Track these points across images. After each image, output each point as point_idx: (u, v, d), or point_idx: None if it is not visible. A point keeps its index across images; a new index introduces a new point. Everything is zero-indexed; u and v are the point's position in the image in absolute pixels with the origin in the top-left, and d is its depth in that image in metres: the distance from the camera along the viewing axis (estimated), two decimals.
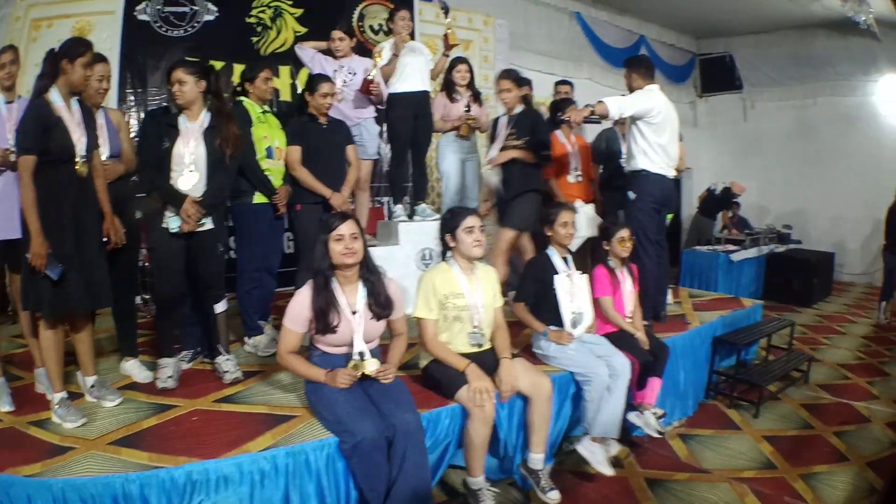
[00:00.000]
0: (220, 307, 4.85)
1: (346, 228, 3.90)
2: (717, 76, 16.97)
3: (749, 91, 16.72)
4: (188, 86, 4.50)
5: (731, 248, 11.86)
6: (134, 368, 4.90)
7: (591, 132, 8.28)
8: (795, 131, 15.91)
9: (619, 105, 6.01)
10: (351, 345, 3.97)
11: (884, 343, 9.49)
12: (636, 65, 6.50)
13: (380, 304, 4.02)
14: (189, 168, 4.50)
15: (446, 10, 7.17)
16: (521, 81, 6.24)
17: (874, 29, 12.14)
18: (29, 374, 4.73)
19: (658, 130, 6.21)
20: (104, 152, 4.73)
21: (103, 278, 4.28)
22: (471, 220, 4.42)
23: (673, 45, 16.30)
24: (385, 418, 3.67)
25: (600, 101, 6.03)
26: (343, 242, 3.86)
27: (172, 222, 4.52)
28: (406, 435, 3.62)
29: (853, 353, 8.88)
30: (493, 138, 6.86)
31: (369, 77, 6.64)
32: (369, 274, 4.05)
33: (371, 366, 3.92)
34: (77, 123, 4.14)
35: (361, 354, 3.96)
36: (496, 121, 6.82)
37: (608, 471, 4.73)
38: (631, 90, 6.42)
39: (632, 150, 6.41)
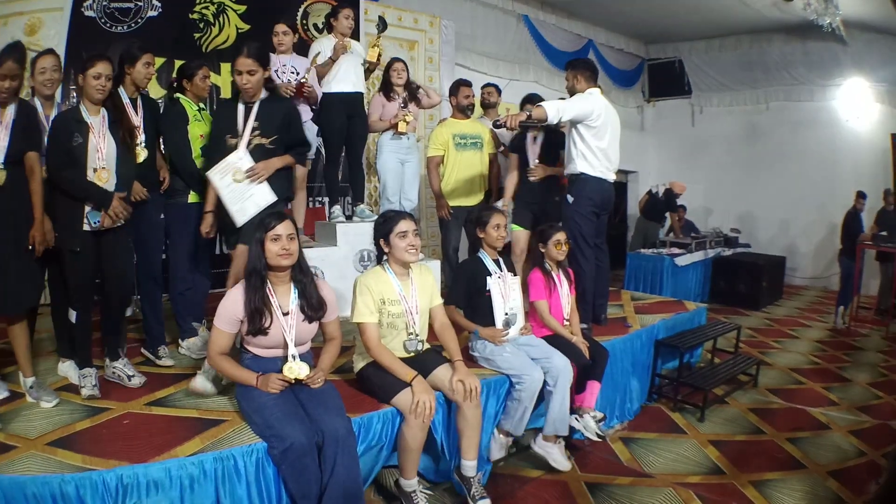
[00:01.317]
0: (128, 310, 4.80)
1: (284, 229, 3.87)
2: (665, 81, 17.19)
3: (698, 96, 16.91)
4: (110, 82, 4.53)
5: (677, 251, 11.90)
6: (70, 370, 4.81)
7: None
8: (745, 136, 16.10)
9: (557, 109, 5.99)
10: (282, 347, 3.94)
11: (841, 348, 9.54)
12: (580, 67, 6.49)
13: (312, 306, 3.99)
14: (101, 163, 4.45)
15: (382, 27, 7.14)
16: (265, 61, 4.99)
17: (840, 32, 12.23)
18: None
19: (598, 134, 6.20)
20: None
21: (18, 282, 4.28)
22: (404, 225, 4.39)
23: (622, 49, 16.42)
24: (314, 423, 3.63)
25: (538, 105, 6.03)
26: (280, 243, 3.83)
27: (92, 217, 4.44)
28: (335, 440, 3.58)
29: (807, 357, 8.91)
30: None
31: (302, 80, 6.56)
32: (302, 275, 4.03)
33: (301, 370, 3.86)
34: (4, 126, 4.17)
35: (293, 357, 3.91)
36: (233, 109, 5.00)
37: (497, 454, 4.98)
38: (572, 93, 6.43)
39: (571, 154, 6.39)
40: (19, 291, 4.30)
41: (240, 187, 4.75)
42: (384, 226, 4.44)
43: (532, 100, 6.66)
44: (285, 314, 3.92)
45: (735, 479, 5.00)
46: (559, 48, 14.39)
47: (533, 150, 6.97)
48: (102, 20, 8.46)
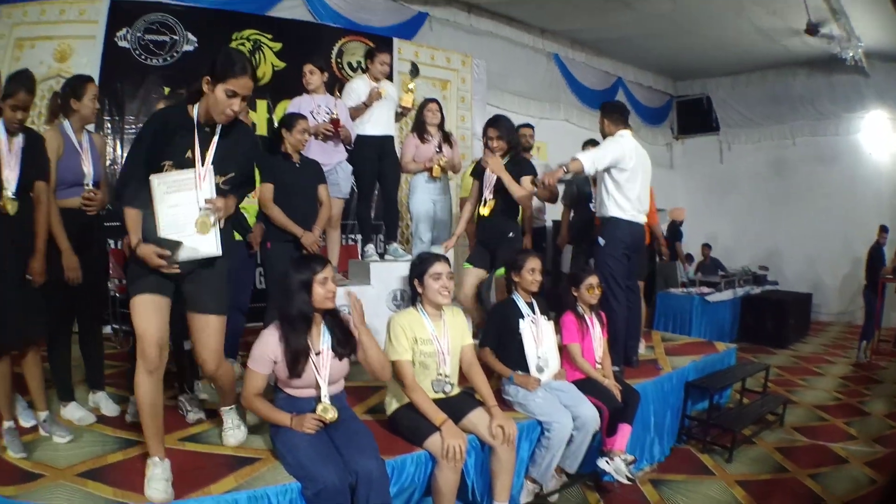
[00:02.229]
0: (188, 344, 4.79)
1: (329, 271, 3.90)
2: (693, 118, 17.26)
3: (726, 132, 16.95)
4: None
5: (706, 290, 11.81)
6: (102, 400, 4.86)
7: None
8: (772, 171, 16.12)
9: (592, 159, 6.04)
10: (316, 387, 3.93)
11: (863, 382, 9.51)
12: (609, 111, 6.55)
13: (340, 342, 4.00)
14: None
15: (414, 73, 7.23)
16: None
17: (862, 64, 12.25)
18: None
19: (628, 177, 6.22)
20: (88, 180, 4.77)
21: (23, 315, 4.18)
22: (438, 267, 4.43)
23: (650, 86, 16.52)
24: (348, 464, 3.62)
25: (574, 159, 6.05)
26: (327, 286, 3.85)
27: None
28: (368, 482, 3.58)
29: (831, 393, 8.87)
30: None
31: (334, 116, 6.59)
32: (330, 314, 4.05)
33: (332, 413, 3.86)
34: (14, 157, 4.14)
35: (327, 397, 3.91)
36: (189, 128, 3.76)
37: (524, 500, 4.85)
38: (604, 135, 6.48)
39: (602, 197, 6.40)
40: (23, 325, 4.21)
41: (185, 216, 3.68)
42: (419, 266, 4.48)
43: (497, 122, 6.36)
44: (317, 354, 3.92)
45: None
46: (589, 86, 14.52)
47: (488, 182, 6.40)
48: (136, 52, 8.71)
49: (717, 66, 15.60)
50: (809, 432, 7.10)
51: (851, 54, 11.90)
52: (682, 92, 17.43)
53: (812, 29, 11.61)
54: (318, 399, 3.91)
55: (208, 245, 3.71)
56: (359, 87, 7.07)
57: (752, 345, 11.72)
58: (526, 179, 6.15)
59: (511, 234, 6.32)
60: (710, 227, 16.03)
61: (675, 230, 13.26)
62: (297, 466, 3.63)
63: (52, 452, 3.96)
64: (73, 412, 4.62)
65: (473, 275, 6.54)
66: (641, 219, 6.41)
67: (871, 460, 6.21)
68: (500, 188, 6.22)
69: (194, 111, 3.74)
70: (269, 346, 3.86)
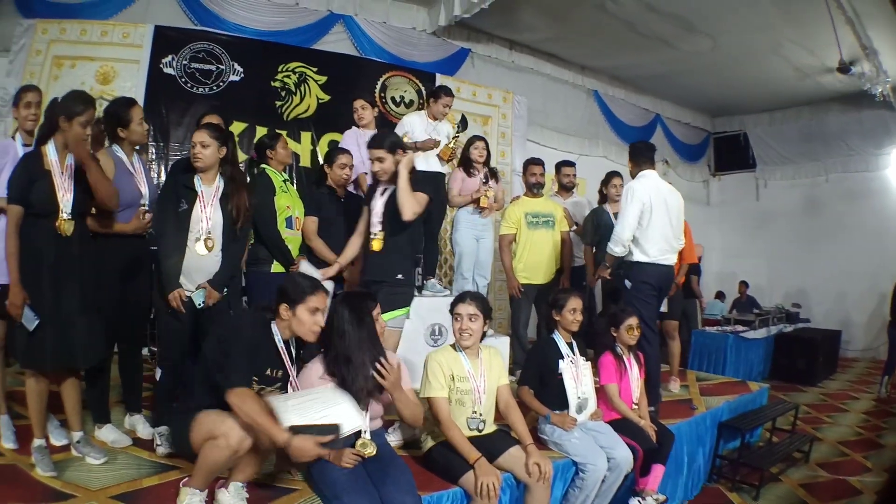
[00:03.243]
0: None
1: (378, 307, 4.00)
2: (730, 155, 17.25)
3: (762, 170, 16.90)
4: (210, 150, 4.51)
5: (740, 328, 11.80)
6: (138, 423, 4.89)
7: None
8: (805, 209, 16.08)
9: (617, 243, 6.29)
10: None
11: (881, 416, 9.57)
12: (632, 153, 6.70)
13: (380, 375, 3.95)
14: (206, 234, 4.51)
15: (463, 126, 7.22)
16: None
17: (890, 98, 12.27)
18: None
19: (649, 218, 6.25)
20: (145, 200, 4.85)
21: (84, 338, 4.17)
22: (460, 308, 4.47)
23: (688, 123, 16.53)
24: (384, 499, 3.64)
25: (608, 254, 6.45)
26: (379, 321, 3.94)
27: (198, 297, 4.47)
28: None
29: (853, 429, 8.90)
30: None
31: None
32: None
33: (371, 448, 3.88)
34: (68, 178, 4.15)
35: (366, 432, 3.92)
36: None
37: None
38: (632, 177, 6.58)
39: None
40: (90, 345, 4.22)
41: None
42: (451, 306, 4.54)
43: (378, 141, 5.31)
44: None
45: None
46: (627, 123, 14.62)
47: (377, 208, 5.37)
48: (182, 79, 8.85)
49: (755, 102, 15.67)
50: (832, 467, 7.17)
51: (880, 90, 11.92)
52: (720, 128, 17.45)
53: (844, 68, 11.74)
54: (356, 434, 3.87)
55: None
56: (413, 123, 7.15)
57: (783, 383, 11.67)
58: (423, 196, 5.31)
59: (400, 276, 5.27)
60: (745, 264, 16.11)
61: (693, 267, 13.22)
62: (333, 499, 3.64)
63: (85, 473, 3.97)
64: (108, 434, 4.61)
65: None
66: (668, 259, 6.42)
67: (879, 489, 6.25)
68: (390, 218, 5.25)
69: (273, 332, 3.88)
70: (312, 381, 3.90)
